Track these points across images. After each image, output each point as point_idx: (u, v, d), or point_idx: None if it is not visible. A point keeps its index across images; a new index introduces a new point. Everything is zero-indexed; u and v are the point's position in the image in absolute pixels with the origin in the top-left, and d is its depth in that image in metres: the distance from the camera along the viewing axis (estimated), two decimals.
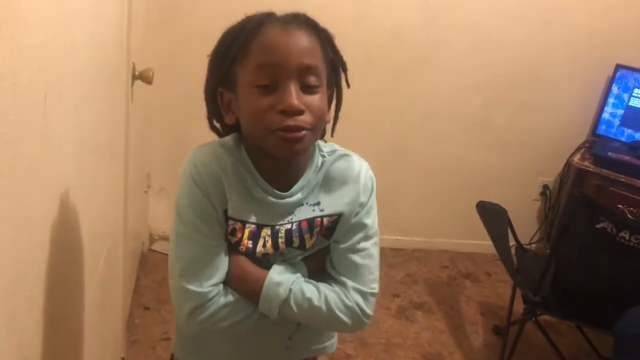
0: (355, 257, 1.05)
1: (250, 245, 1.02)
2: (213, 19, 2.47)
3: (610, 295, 1.82)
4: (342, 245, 1.05)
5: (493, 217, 2.25)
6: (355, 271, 1.04)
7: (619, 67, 2.69)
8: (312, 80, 0.93)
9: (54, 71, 0.96)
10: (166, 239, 2.85)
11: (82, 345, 1.29)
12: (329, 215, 1.03)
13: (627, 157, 2.56)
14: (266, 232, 1.02)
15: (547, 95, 2.84)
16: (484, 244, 2.89)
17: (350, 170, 1.05)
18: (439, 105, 2.79)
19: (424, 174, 2.94)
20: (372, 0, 2.55)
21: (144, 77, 1.83)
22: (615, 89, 2.71)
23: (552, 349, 2.14)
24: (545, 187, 3.02)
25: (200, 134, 2.77)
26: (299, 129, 0.92)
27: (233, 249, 1.02)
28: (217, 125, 1.09)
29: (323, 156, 1.06)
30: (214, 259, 1.00)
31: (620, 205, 2.52)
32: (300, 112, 0.91)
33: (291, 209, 1.03)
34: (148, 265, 2.66)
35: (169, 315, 2.37)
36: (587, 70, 2.78)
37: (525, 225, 3.05)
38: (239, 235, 1.01)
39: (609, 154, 2.60)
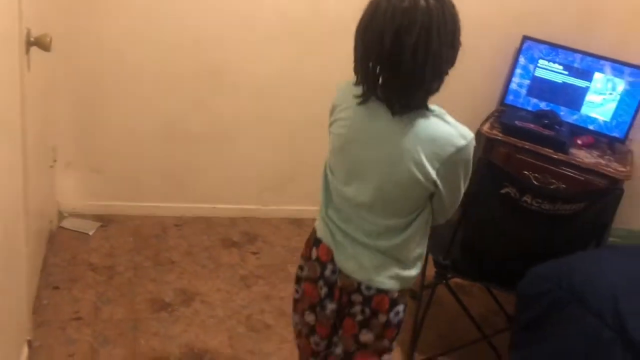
0: None
1: None
2: None
3: (515, 256, 1.92)
4: None
5: None
6: None
7: (525, 38, 2.79)
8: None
9: None
10: (77, 215, 2.73)
11: None
12: None
13: (532, 126, 2.68)
14: None
15: (458, 66, 2.89)
16: None
17: None
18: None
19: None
20: None
21: (40, 44, 1.71)
22: (522, 60, 2.82)
23: (463, 310, 2.23)
24: None
25: (109, 106, 2.66)
26: None
27: None
28: None
29: None
30: None
31: (526, 172, 2.65)
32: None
33: None
34: (57, 244, 2.54)
35: (80, 293, 2.29)
36: (497, 41, 2.87)
37: None
38: None
39: (516, 122, 2.71)
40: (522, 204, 1.85)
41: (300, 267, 1.50)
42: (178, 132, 2.70)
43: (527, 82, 2.84)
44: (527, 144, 2.63)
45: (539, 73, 2.81)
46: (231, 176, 2.87)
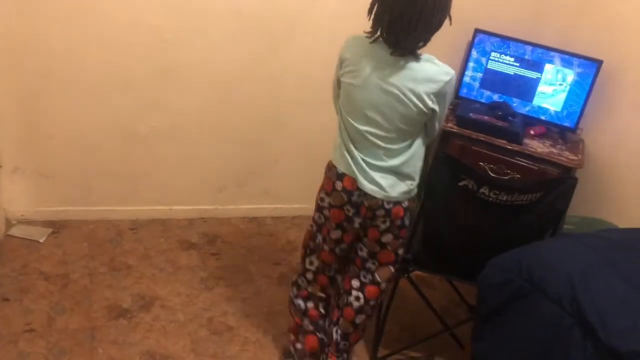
0: None
1: None
2: None
3: (474, 248, 1.93)
4: None
5: None
6: None
7: (477, 31, 2.82)
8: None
9: None
10: (26, 222, 2.62)
11: None
12: None
13: (486, 117, 2.71)
14: None
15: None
16: None
17: None
18: (313, 70, 2.77)
19: (301, 140, 2.93)
20: None
21: None
22: (474, 53, 2.85)
23: (425, 303, 2.25)
24: None
25: (57, 107, 2.56)
26: None
27: None
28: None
29: None
30: None
31: (481, 163, 2.69)
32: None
33: None
34: (5, 253, 2.44)
35: (32, 304, 2.20)
36: (450, 35, 2.86)
37: None
38: None
39: (470, 114, 2.74)
40: (479, 195, 1.87)
41: (322, 199, 1.90)
42: (130, 133, 2.62)
43: (479, 74, 2.88)
44: (482, 136, 2.67)
45: (492, 65, 2.85)
46: (187, 176, 2.81)
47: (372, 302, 1.97)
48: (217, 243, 2.77)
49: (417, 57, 1.68)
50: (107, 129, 2.57)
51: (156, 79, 2.54)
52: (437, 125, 1.80)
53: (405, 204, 1.82)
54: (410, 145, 1.77)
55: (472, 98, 2.92)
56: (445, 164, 1.90)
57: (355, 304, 1.96)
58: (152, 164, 2.72)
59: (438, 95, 1.69)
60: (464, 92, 2.93)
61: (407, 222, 1.86)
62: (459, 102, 2.92)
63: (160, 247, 2.66)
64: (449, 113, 2.86)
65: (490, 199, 1.85)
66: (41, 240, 2.55)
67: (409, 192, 1.82)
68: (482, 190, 1.85)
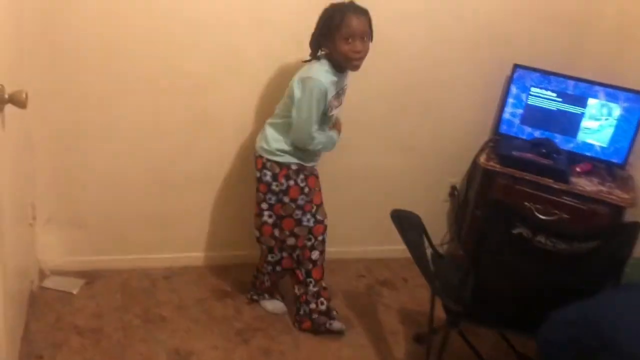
0: None
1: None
2: (94, 32, 2.27)
3: (531, 301, 1.81)
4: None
5: (408, 225, 2.20)
6: None
7: (516, 66, 2.74)
8: (365, 37, 2.11)
9: None
10: (60, 273, 2.57)
11: None
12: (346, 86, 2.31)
13: (529, 155, 2.61)
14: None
15: (449, 96, 2.84)
16: (398, 248, 2.85)
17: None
18: (346, 112, 2.71)
19: (333, 183, 2.85)
20: (270, 7, 2.41)
21: (15, 101, 1.58)
22: (514, 89, 2.76)
23: (473, 353, 2.11)
24: (453, 187, 3.04)
25: (89, 157, 2.53)
26: (360, 59, 2.14)
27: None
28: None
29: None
30: None
31: (527, 203, 2.57)
32: (360, 52, 2.11)
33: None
34: (39, 306, 2.38)
35: None
36: (487, 70, 2.82)
37: (437, 226, 3.06)
38: None
39: (513, 152, 2.64)
40: (536, 244, 1.76)
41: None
42: (162, 178, 2.57)
43: (520, 111, 2.78)
44: (527, 175, 2.56)
45: (532, 101, 2.75)
46: (221, 223, 2.75)
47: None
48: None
49: (313, 60, 2.20)
50: (141, 175, 2.53)
51: (190, 124, 2.50)
52: (294, 118, 2.16)
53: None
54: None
55: (513, 135, 2.82)
56: (496, 211, 1.80)
57: None
58: (185, 210, 2.66)
59: (297, 85, 2.14)
60: (503, 128, 2.83)
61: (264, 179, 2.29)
62: (499, 139, 2.82)
63: (194, 296, 2.58)
64: (490, 151, 2.77)
65: (548, 247, 1.74)
66: (74, 292, 2.49)
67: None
68: (538, 238, 1.74)
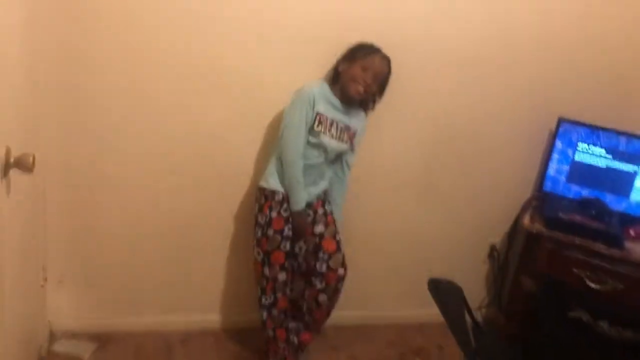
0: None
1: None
2: (104, 92, 2.14)
3: None
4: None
5: (447, 296, 2.00)
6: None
7: (561, 120, 2.55)
8: (377, 80, 2.18)
9: None
10: (71, 335, 2.41)
11: None
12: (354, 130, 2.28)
13: (578, 217, 2.40)
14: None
15: (489, 150, 2.66)
16: (432, 312, 2.65)
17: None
18: (380, 169, 2.56)
19: (366, 244, 2.67)
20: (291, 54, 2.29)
21: (21, 164, 1.46)
22: (559, 144, 2.57)
23: None
24: (493, 248, 2.83)
25: (102, 216, 2.38)
26: (364, 91, 2.16)
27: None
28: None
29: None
30: None
31: (575, 270, 2.34)
32: (367, 85, 2.15)
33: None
34: None
35: None
36: (530, 123, 2.63)
37: (475, 288, 2.85)
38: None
39: (560, 214, 2.43)
40: (597, 330, 1.54)
41: None
42: (180, 238, 2.42)
43: (566, 167, 2.58)
44: (576, 239, 2.34)
45: (579, 157, 2.55)
46: (240, 283, 2.57)
47: None
48: None
49: None
50: (157, 235, 2.39)
51: (209, 184, 2.36)
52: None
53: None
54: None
55: (558, 193, 2.61)
56: (550, 290, 1.60)
57: None
58: (204, 271, 2.50)
59: None
60: (548, 186, 2.62)
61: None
62: (543, 198, 2.61)
63: None
64: (534, 211, 2.57)
65: (612, 335, 1.52)
66: (85, 358, 2.32)
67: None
68: (600, 323, 1.53)
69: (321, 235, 2.26)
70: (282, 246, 2.17)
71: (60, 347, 2.37)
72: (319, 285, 2.24)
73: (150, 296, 2.48)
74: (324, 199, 2.31)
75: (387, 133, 2.49)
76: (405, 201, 2.66)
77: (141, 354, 2.40)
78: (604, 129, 2.50)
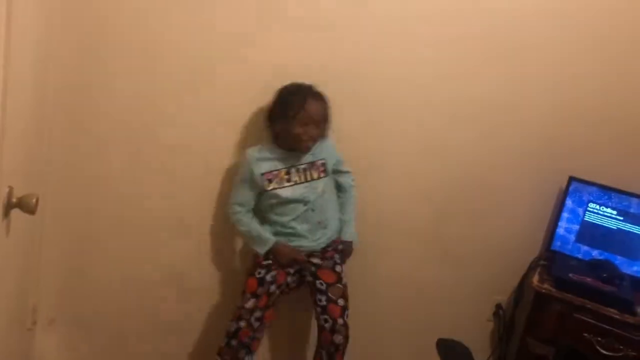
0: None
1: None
2: (108, 138, 2.13)
3: None
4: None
5: (455, 358, 1.92)
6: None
7: (572, 179, 2.51)
8: (320, 124, 2.14)
9: None
10: None
11: None
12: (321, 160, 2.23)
13: (589, 280, 2.33)
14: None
15: (497, 206, 2.61)
16: None
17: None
18: (385, 214, 2.50)
19: (364, 291, 2.59)
20: None
21: (24, 205, 1.40)
22: (569, 203, 2.52)
23: None
24: (499, 306, 2.74)
25: (100, 258, 2.30)
26: (312, 141, 2.13)
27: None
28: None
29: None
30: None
31: (586, 335, 2.27)
32: (313, 137, 2.12)
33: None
34: None
35: None
36: (541, 180, 2.59)
37: (478, 347, 2.75)
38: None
39: (570, 275, 2.36)
40: None
41: None
42: (180, 281, 2.35)
43: (576, 227, 2.53)
44: (588, 303, 2.27)
45: (590, 217, 2.50)
46: None
47: None
48: None
49: None
50: (156, 278, 2.31)
51: (213, 223, 2.30)
52: None
53: None
54: None
55: (567, 253, 2.55)
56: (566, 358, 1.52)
57: None
58: (206, 316, 2.41)
59: None
60: (557, 245, 2.56)
61: None
62: (552, 257, 2.55)
63: None
64: (542, 270, 2.50)
65: None
66: None
67: None
68: None
69: (317, 265, 2.24)
70: (256, 272, 2.17)
71: None
72: (326, 325, 2.18)
73: (147, 343, 2.39)
74: (334, 247, 2.26)
75: (395, 181, 2.45)
76: (409, 250, 2.59)
77: None
78: (616, 190, 2.46)
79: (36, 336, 2.23)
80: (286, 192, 2.15)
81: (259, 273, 2.15)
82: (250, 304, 2.13)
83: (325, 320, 2.18)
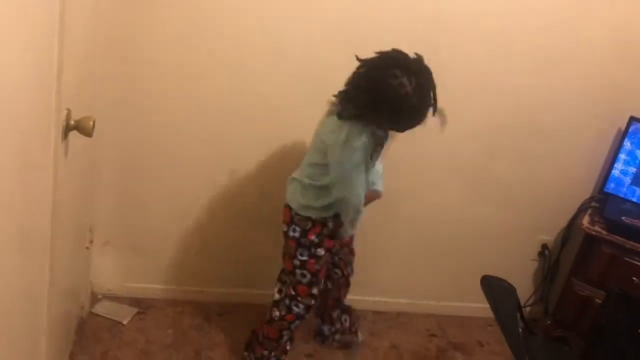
0: None
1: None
2: (167, 53, 2.12)
3: None
4: None
5: (500, 296, 1.92)
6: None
7: (633, 120, 2.40)
8: None
9: None
10: (112, 298, 2.42)
11: None
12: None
13: None
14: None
15: (550, 145, 2.52)
16: (474, 307, 2.58)
17: None
18: (433, 151, 2.45)
19: (411, 226, 2.59)
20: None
21: (81, 128, 1.43)
22: (627, 144, 2.43)
23: None
24: (544, 246, 2.72)
25: (153, 182, 2.35)
26: None
27: None
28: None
29: None
30: None
31: (635, 278, 2.23)
32: None
33: None
34: (87, 335, 2.23)
35: None
36: (597, 120, 2.49)
37: (520, 286, 2.74)
38: None
39: (623, 218, 2.31)
40: None
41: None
42: (227, 211, 2.38)
43: (633, 169, 2.44)
44: (638, 246, 2.22)
45: None
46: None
47: None
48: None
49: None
50: (204, 206, 2.35)
51: (269, 166, 2.31)
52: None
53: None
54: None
55: (621, 196, 2.47)
56: (621, 304, 1.50)
57: None
58: (249, 245, 2.47)
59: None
60: (610, 187, 2.49)
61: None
62: (604, 200, 2.49)
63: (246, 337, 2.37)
64: (594, 212, 2.44)
65: None
66: (125, 322, 2.33)
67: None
68: None
69: None
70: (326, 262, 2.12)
71: (101, 309, 2.38)
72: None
73: (193, 266, 2.47)
74: None
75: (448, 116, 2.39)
76: (453, 187, 2.55)
77: (179, 324, 2.39)
78: None
79: (92, 255, 2.34)
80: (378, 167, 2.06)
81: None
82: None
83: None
